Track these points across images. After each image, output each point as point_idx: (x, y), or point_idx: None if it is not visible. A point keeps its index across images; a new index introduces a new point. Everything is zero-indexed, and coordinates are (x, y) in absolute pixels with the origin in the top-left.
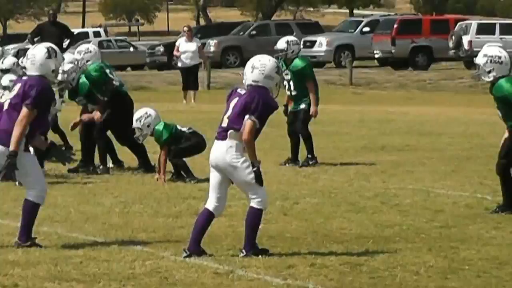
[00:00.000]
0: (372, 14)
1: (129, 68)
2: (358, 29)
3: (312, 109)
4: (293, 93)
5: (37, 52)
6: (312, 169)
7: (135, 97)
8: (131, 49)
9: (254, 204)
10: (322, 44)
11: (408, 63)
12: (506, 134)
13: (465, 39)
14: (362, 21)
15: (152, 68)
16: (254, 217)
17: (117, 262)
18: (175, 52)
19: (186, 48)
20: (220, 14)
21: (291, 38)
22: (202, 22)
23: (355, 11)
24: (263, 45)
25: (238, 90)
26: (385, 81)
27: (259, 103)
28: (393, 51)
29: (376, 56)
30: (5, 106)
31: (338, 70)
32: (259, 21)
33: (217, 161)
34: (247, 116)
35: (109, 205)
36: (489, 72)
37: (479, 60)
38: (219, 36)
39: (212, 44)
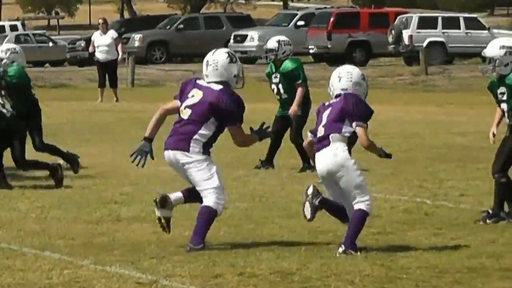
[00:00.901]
0: (307, 7)
1: (47, 64)
2: (292, 23)
3: (292, 108)
4: (283, 96)
5: (219, 57)
6: (242, 172)
7: (54, 95)
8: (51, 44)
9: (362, 206)
10: (253, 38)
11: (345, 59)
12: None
13: (406, 34)
14: (296, 14)
15: (72, 64)
16: (361, 220)
17: (33, 272)
18: (90, 48)
19: (100, 42)
20: (145, 7)
21: (282, 37)
22: (126, 15)
23: (290, 4)
24: (191, 40)
25: (327, 103)
26: (320, 78)
27: (358, 107)
28: (329, 46)
29: (311, 51)
30: (183, 115)
31: None
32: (187, 14)
33: (328, 167)
34: (354, 124)
35: (25, 210)
36: (507, 64)
37: (496, 52)
38: (144, 30)
39: (136, 38)
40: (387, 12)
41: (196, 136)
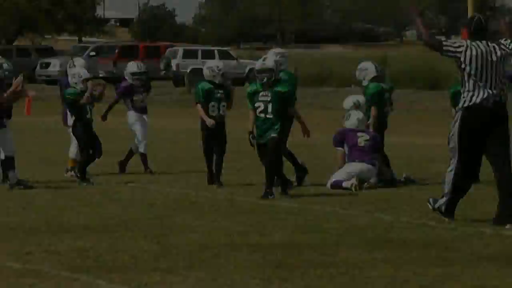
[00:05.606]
0: (96, 42)
1: None
2: (86, 53)
3: None
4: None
5: None
6: None
7: None
8: None
9: None
10: (55, 65)
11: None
12: None
13: (174, 62)
14: (88, 46)
15: None
16: None
17: None
18: None
19: None
20: None
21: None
22: None
23: (83, 39)
24: None
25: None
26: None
27: None
28: (114, 71)
29: (101, 75)
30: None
31: None
32: (2, 46)
33: None
34: None
35: None
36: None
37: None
38: None
39: None
40: (159, 46)
41: None
